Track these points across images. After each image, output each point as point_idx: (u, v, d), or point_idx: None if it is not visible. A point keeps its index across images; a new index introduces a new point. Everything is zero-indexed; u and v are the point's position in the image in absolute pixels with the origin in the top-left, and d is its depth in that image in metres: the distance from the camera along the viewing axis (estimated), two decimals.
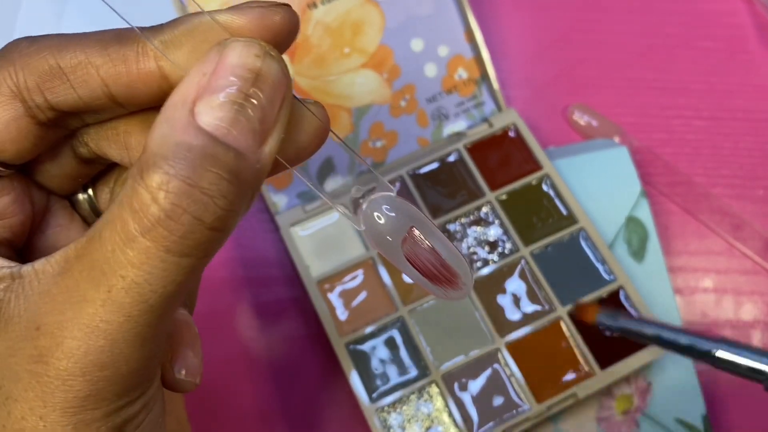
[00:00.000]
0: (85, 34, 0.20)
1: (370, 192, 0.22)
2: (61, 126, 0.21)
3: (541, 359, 0.41)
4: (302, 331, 0.44)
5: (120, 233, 0.17)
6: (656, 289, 0.44)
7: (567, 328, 0.41)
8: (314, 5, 0.43)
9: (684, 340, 0.31)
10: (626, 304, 0.42)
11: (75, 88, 0.20)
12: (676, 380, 0.42)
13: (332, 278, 0.43)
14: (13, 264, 0.20)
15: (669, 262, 0.46)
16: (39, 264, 0.19)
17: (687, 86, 0.51)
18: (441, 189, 0.45)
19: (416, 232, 0.22)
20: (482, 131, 0.46)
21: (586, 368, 0.41)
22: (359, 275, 0.43)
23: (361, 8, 0.44)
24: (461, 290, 0.22)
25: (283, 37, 0.20)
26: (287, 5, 0.20)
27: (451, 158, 0.46)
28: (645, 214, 0.45)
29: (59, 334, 0.18)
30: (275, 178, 0.44)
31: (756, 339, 0.44)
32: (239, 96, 0.17)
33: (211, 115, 0.17)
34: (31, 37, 0.20)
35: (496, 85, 0.47)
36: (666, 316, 0.43)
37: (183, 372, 0.22)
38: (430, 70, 0.46)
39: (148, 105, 0.21)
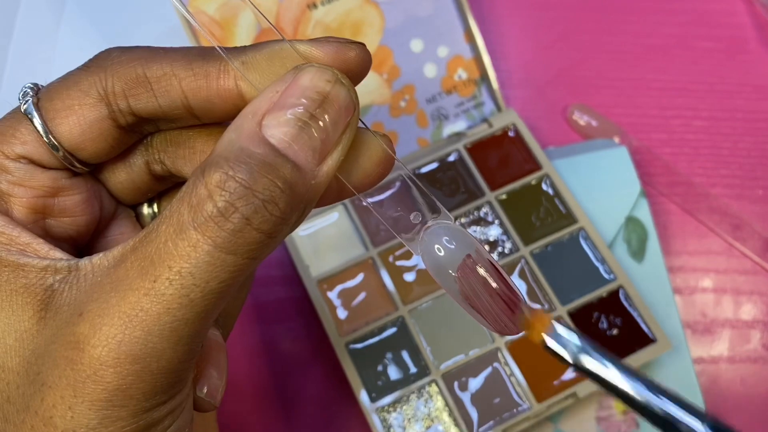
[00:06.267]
0: (172, 48, 0.22)
1: (429, 219, 0.22)
2: (136, 131, 0.22)
3: (540, 358, 0.41)
4: (302, 331, 0.44)
5: (174, 225, 0.18)
6: (656, 289, 0.44)
7: None
8: (314, 6, 0.44)
9: (661, 409, 0.20)
10: (626, 304, 0.42)
11: (157, 96, 0.21)
12: (675, 380, 0.42)
13: (332, 278, 0.43)
14: (71, 258, 0.20)
15: (668, 261, 0.46)
16: (96, 258, 0.20)
17: (687, 86, 0.51)
18: (441, 189, 0.45)
19: (472, 261, 0.21)
20: (482, 131, 0.46)
21: None
22: (359, 275, 0.43)
23: (360, 9, 0.44)
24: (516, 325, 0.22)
25: (355, 71, 0.21)
26: (362, 44, 0.21)
27: (451, 158, 0.46)
28: (644, 214, 0.45)
29: (98, 321, 0.18)
30: None
31: (755, 339, 0.45)
32: (305, 115, 0.19)
33: (276, 129, 0.18)
34: (123, 47, 0.22)
35: (495, 85, 0.47)
36: (665, 316, 0.43)
37: (204, 390, 0.22)
38: (430, 70, 0.46)
39: (222, 120, 0.22)
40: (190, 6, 0.42)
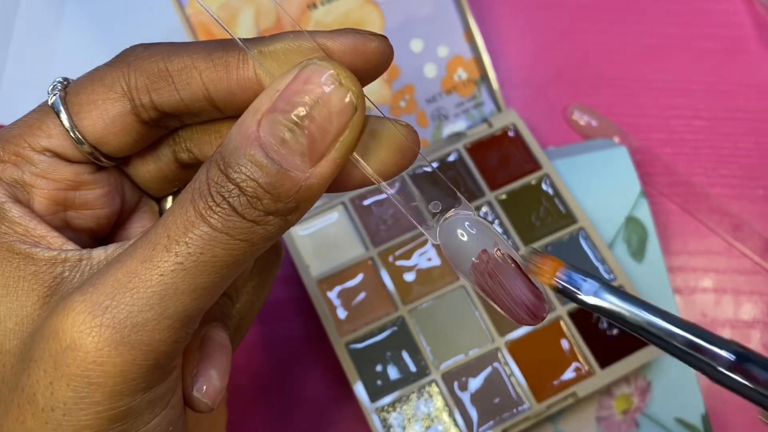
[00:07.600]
0: (195, 42, 0.22)
1: (449, 209, 0.22)
2: (161, 126, 0.23)
3: (540, 358, 0.41)
4: (302, 331, 0.44)
5: (179, 204, 0.20)
6: (656, 289, 0.44)
7: (567, 327, 0.41)
8: (314, 6, 0.44)
9: (682, 337, 0.20)
10: None
11: (178, 90, 0.21)
12: (675, 379, 0.42)
13: (332, 278, 0.43)
14: (83, 249, 0.21)
15: (668, 261, 0.46)
16: (112, 247, 0.21)
17: (687, 86, 0.51)
18: (441, 189, 0.45)
19: (492, 253, 0.21)
20: (482, 131, 0.46)
21: (586, 367, 0.41)
22: (359, 275, 0.43)
23: (360, 9, 0.44)
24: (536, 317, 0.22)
25: (375, 64, 0.21)
26: (383, 36, 0.21)
27: (451, 158, 0.46)
28: (644, 213, 0.45)
29: (91, 290, 0.19)
30: None
31: (755, 339, 0.44)
32: (293, 120, 0.19)
33: (268, 131, 0.19)
34: (146, 44, 0.22)
35: (495, 85, 0.47)
36: None
37: (203, 389, 0.23)
38: (430, 70, 0.46)
39: (244, 111, 0.22)
40: (191, 6, 0.42)
